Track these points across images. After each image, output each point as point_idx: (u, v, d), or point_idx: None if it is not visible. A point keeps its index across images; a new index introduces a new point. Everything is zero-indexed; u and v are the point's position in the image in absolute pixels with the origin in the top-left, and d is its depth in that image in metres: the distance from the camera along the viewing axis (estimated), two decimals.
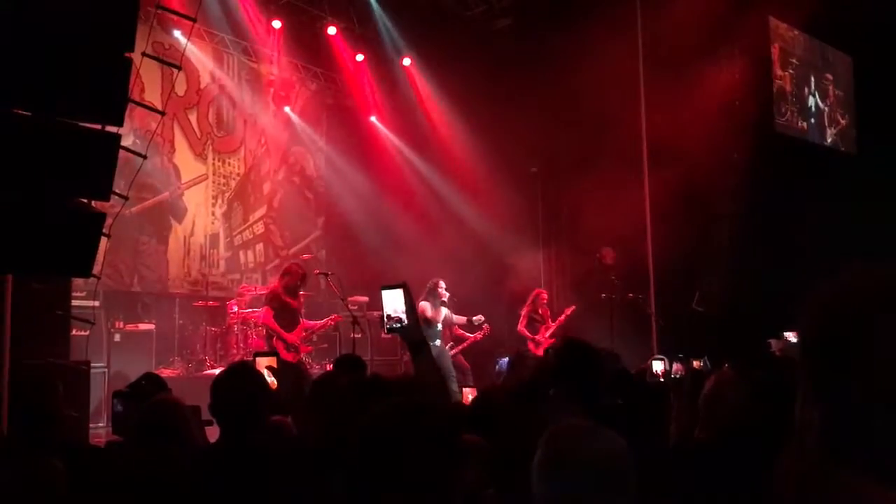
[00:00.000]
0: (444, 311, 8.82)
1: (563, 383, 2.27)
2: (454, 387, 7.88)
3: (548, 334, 9.35)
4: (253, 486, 2.37)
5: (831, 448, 1.02)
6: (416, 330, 2.21)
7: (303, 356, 7.70)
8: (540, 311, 9.50)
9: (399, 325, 2.23)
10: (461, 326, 9.45)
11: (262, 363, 3.52)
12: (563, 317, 9.59)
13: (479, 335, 9.37)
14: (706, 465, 2.06)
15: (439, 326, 8.76)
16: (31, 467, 2.40)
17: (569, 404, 2.19)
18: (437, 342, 8.73)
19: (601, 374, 2.32)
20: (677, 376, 3.93)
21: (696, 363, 6.44)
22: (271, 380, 3.11)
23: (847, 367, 1.02)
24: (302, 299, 7.82)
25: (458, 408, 3.34)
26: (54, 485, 2.38)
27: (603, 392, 2.36)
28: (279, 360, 3.65)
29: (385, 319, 2.27)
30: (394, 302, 2.24)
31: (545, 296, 9.78)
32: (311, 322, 8.04)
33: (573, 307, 9.74)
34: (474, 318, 9.30)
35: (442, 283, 8.87)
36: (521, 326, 9.40)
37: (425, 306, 8.63)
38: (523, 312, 9.47)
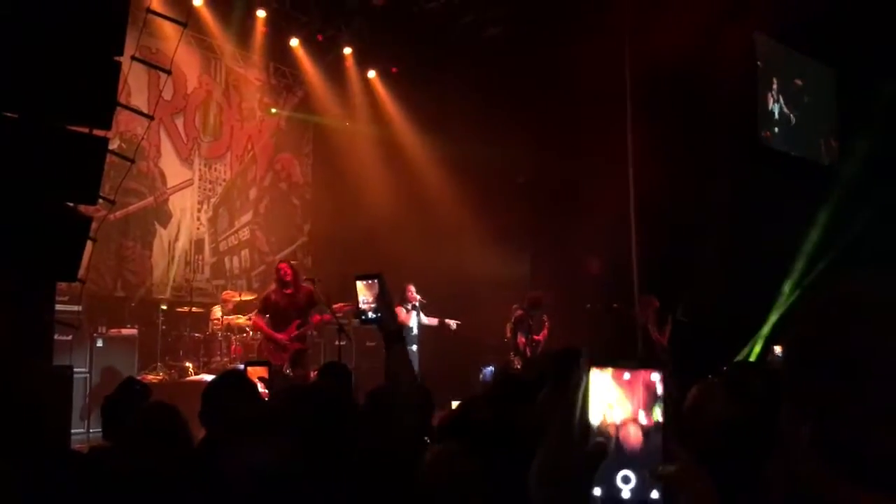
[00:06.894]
0: (414, 315, 9.25)
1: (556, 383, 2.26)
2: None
3: None
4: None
5: (825, 463, 0.96)
6: (390, 321, 2.17)
7: (287, 359, 7.56)
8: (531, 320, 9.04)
9: (374, 315, 2.18)
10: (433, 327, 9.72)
11: (255, 373, 3.45)
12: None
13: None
14: None
15: (414, 331, 9.13)
16: None
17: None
18: (414, 347, 9.09)
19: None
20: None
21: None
22: (263, 390, 3.06)
23: (845, 382, 0.96)
24: (292, 299, 7.71)
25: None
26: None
27: None
28: (270, 370, 3.60)
29: (358, 310, 2.21)
30: (368, 292, 2.20)
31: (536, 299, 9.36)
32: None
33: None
34: (447, 320, 9.52)
35: (412, 288, 9.27)
36: (509, 334, 9.11)
37: (399, 311, 8.83)
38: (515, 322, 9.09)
